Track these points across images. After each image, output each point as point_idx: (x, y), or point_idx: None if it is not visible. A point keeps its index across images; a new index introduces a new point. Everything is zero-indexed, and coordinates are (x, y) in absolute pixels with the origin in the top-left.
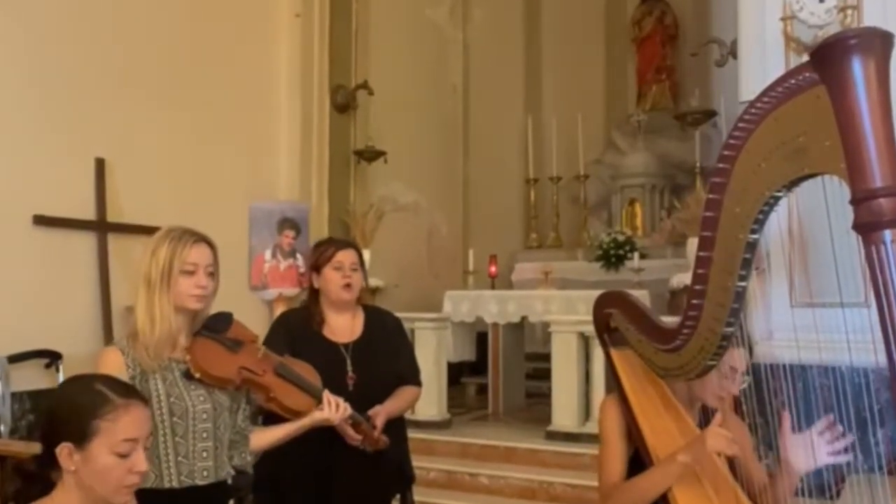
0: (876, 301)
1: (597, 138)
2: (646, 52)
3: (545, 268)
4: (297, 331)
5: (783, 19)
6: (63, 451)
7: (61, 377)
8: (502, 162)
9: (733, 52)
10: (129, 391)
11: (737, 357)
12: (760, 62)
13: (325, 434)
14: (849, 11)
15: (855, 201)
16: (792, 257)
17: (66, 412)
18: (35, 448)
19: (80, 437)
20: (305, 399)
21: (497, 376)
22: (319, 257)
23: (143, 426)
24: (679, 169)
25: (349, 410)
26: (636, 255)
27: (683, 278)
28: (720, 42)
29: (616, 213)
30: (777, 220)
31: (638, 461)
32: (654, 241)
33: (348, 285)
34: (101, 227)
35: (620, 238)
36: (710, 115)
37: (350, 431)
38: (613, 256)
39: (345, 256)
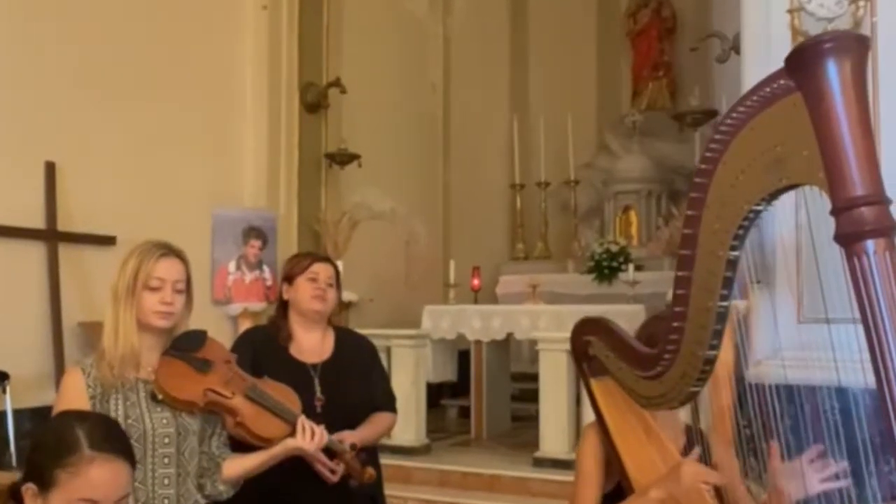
0: (861, 316)
1: (588, 140)
2: (641, 47)
3: (532, 280)
4: (262, 348)
5: (790, 11)
6: (27, 491)
7: (8, 398)
8: (486, 166)
9: (736, 47)
10: (108, 443)
11: None
12: (765, 58)
13: (291, 461)
14: (860, 3)
15: (836, 211)
16: (791, 271)
17: (40, 449)
18: None
19: (43, 483)
20: (278, 425)
21: (480, 398)
22: (294, 267)
23: (110, 487)
24: (677, 173)
25: (326, 438)
26: (631, 266)
27: None
28: (722, 36)
29: (609, 222)
30: (779, 231)
31: (619, 496)
32: (650, 252)
33: (321, 297)
34: (51, 236)
35: (614, 248)
36: (711, 115)
37: (325, 460)
38: (606, 268)
39: (321, 269)
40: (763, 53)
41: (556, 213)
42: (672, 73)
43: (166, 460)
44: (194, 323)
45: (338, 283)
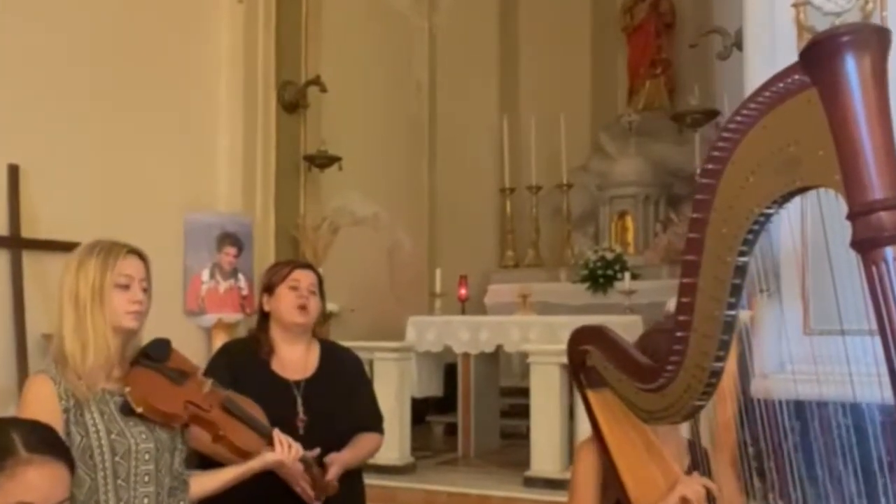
0: (878, 326)
1: (582, 142)
2: (638, 43)
3: (523, 290)
4: (241, 364)
5: (795, 5)
6: None
7: None
8: (474, 169)
9: (738, 44)
10: (45, 445)
11: None
12: (769, 55)
13: (264, 479)
14: None
15: (852, 216)
16: (807, 278)
17: None
18: None
19: None
20: (255, 438)
21: (468, 414)
22: (274, 276)
23: (48, 490)
24: (676, 177)
25: (301, 451)
26: (627, 275)
27: None
28: (723, 32)
29: (604, 228)
30: (784, 236)
31: None
32: (647, 260)
33: (303, 307)
34: (15, 243)
35: (609, 256)
36: (712, 115)
37: (298, 476)
38: (601, 277)
39: (303, 276)
40: (767, 50)
41: (548, 218)
42: (670, 70)
43: (146, 478)
44: (167, 335)
45: (321, 292)
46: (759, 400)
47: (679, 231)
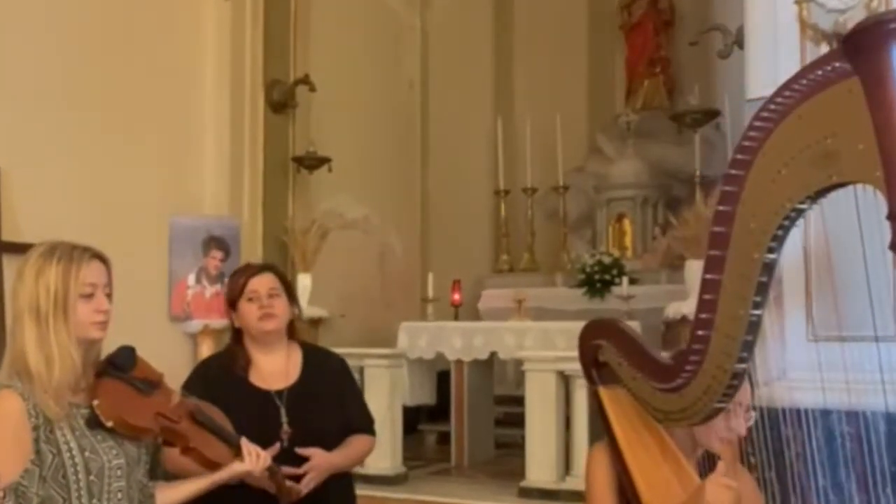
0: None
1: (579, 143)
2: (636, 41)
3: (518, 295)
4: (217, 382)
5: (798, 2)
6: None
7: None
8: (467, 170)
9: (739, 42)
10: None
11: (742, 389)
12: (771, 53)
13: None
14: None
15: (892, 216)
16: (811, 282)
17: None
18: None
19: None
20: (224, 449)
21: (461, 423)
22: (231, 291)
23: None
24: (675, 178)
25: (269, 460)
26: (625, 279)
27: (681, 307)
28: (724, 29)
29: (601, 231)
30: (794, 237)
31: None
32: (645, 264)
33: (267, 315)
34: None
35: (606, 260)
36: (712, 115)
37: (267, 483)
38: (598, 282)
39: (259, 283)
40: (769, 48)
41: (544, 221)
42: (670, 69)
43: (119, 495)
44: (152, 341)
45: (287, 290)
46: (761, 408)
47: (679, 234)
